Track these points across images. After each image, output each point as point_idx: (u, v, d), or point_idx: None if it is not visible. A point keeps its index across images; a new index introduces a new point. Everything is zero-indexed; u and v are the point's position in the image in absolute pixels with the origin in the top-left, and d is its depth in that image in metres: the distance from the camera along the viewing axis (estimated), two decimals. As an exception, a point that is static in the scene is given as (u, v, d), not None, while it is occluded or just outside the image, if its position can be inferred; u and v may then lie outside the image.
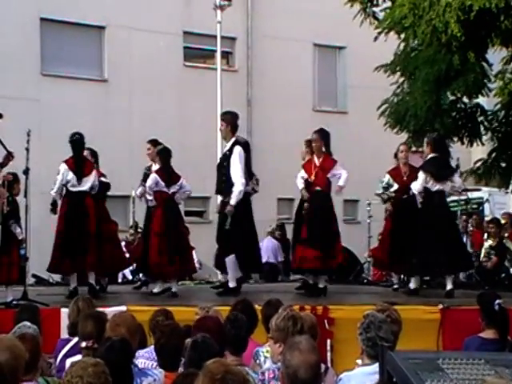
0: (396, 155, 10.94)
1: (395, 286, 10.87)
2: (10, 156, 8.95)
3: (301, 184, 10.18)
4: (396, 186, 10.64)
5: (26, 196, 9.07)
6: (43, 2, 17.35)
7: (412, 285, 10.03)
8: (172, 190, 10.20)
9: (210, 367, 3.48)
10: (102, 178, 10.31)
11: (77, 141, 9.86)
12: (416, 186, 9.99)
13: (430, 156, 10.10)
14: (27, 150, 9.12)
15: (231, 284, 9.79)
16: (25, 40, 17.11)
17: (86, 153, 10.13)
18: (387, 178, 10.89)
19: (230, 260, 9.74)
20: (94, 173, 9.85)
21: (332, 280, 10.81)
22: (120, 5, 18.20)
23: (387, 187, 10.89)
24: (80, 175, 9.72)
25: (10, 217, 9.08)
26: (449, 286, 9.76)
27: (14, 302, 8.61)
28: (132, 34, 18.36)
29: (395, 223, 10.69)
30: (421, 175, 9.95)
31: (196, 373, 3.78)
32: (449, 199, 16.64)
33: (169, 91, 18.64)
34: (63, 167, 9.72)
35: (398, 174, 10.65)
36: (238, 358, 5.10)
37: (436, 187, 9.89)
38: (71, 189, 9.73)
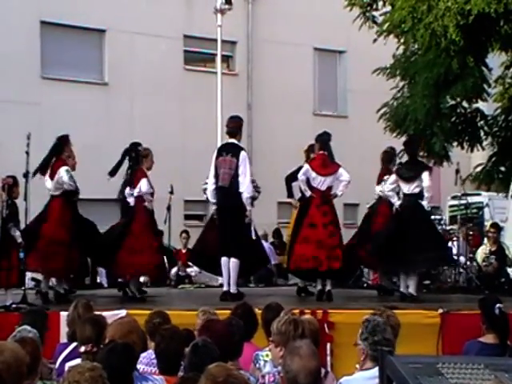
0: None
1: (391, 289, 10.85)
2: None
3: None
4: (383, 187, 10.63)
5: (25, 199, 9.08)
6: (44, 5, 17.37)
7: (412, 291, 9.95)
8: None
9: (212, 371, 3.49)
10: None
11: (56, 144, 9.95)
12: (386, 186, 10.07)
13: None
14: (27, 153, 9.14)
15: (234, 289, 9.75)
16: (25, 43, 17.14)
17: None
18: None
19: (236, 264, 9.71)
20: (59, 171, 9.69)
21: (332, 284, 10.80)
22: (120, 8, 18.23)
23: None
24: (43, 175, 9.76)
25: (10, 220, 9.09)
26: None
27: (14, 306, 8.62)
28: (132, 38, 18.39)
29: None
30: (392, 176, 10.03)
31: (196, 377, 3.78)
32: (449, 203, 16.80)
33: (169, 95, 18.66)
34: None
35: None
36: (234, 362, 5.08)
37: (405, 189, 9.91)
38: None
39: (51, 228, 9.59)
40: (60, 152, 9.86)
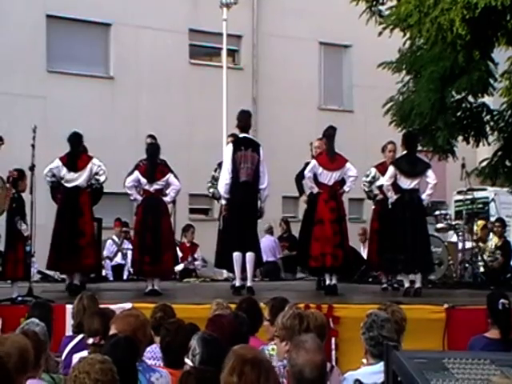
0: (383, 150, 11.04)
1: (384, 286, 10.91)
2: None
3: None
4: (382, 180, 10.66)
5: (31, 193, 9.10)
6: (50, -1, 17.38)
7: (405, 284, 10.02)
8: (155, 187, 9.91)
9: (239, 351, 3.45)
10: None
11: (70, 138, 9.91)
12: (384, 179, 10.10)
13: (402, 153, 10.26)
14: (33, 146, 9.15)
15: (252, 283, 9.73)
16: (31, 37, 17.15)
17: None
18: (373, 171, 11.01)
19: (254, 257, 9.71)
20: (89, 167, 9.78)
21: (337, 279, 10.84)
22: (126, 2, 18.23)
23: (373, 181, 11.00)
24: (72, 169, 9.71)
25: (16, 213, 9.12)
26: (417, 284, 9.81)
27: (20, 299, 8.64)
28: (138, 32, 18.38)
29: (381, 222, 10.79)
30: (390, 169, 10.02)
31: (205, 370, 3.79)
32: (455, 198, 16.78)
33: (175, 89, 18.66)
34: (56, 161, 9.81)
35: (384, 168, 10.64)
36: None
37: (407, 184, 9.89)
38: (66, 184, 9.77)
39: (89, 222, 9.77)
40: (78, 145, 9.92)
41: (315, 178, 10.05)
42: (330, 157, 10.00)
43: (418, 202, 9.93)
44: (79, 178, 9.75)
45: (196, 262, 14.14)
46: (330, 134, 10.19)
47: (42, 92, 17.12)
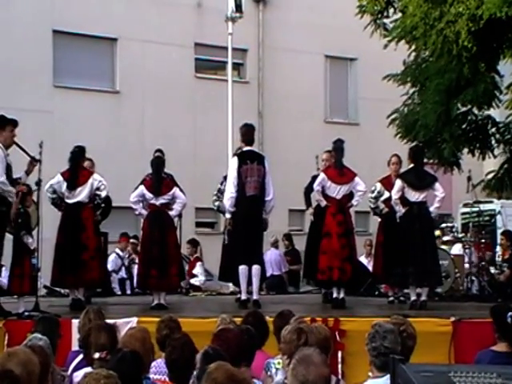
0: (389, 164, 11.04)
1: (390, 299, 10.88)
2: (33, 161, 9.01)
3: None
4: (387, 194, 10.66)
5: (38, 207, 9.11)
6: (56, 14, 17.47)
7: (412, 297, 10.01)
8: (161, 201, 9.92)
9: (213, 374, 3.36)
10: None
11: (74, 153, 9.92)
12: (392, 193, 10.10)
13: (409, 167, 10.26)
14: (39, 161, 9.16)
15: (258, 296, 9.72)
16: (38, 52, 17.23)
17: (86, 164, 10.21)
18: (378, 186, 10.99)
19: (260, 270, 9.70)
20: (90, 182, 9.78)
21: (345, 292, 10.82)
22: (132, 17, 18.31)
23: (378, 196, 10.98)
24: (72, 186, 9.71)
25: (22, 228, 9.13)
26: (423, 297, 9.82)
27: (26, 313, 8.64)
28: (144, 46, 18.45)
29: (386, 235, 10.76)
30: (398, 182, 10.02)
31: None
32: (461, 210, 16.76)
33: (180, 103, 18.71)
34: (58, 176, 9.83)
35: (389, 182, 10.70)
36: (247, 369, 5.08)
37: (415, 197, 9.88)
38: (67, 201, 9.78)
39: (91, 237, 9.77)
40: (79, 161, 9.93)
41: (323, 191, 10.06)
42: (339, 170, 10.01)
43: (426, 214, 9.91)
44: (80, 194, 9.75)
45: (192, 280, 13.76)
46: (338, 146, 10.21)
47: (49, 107, 17.19)
